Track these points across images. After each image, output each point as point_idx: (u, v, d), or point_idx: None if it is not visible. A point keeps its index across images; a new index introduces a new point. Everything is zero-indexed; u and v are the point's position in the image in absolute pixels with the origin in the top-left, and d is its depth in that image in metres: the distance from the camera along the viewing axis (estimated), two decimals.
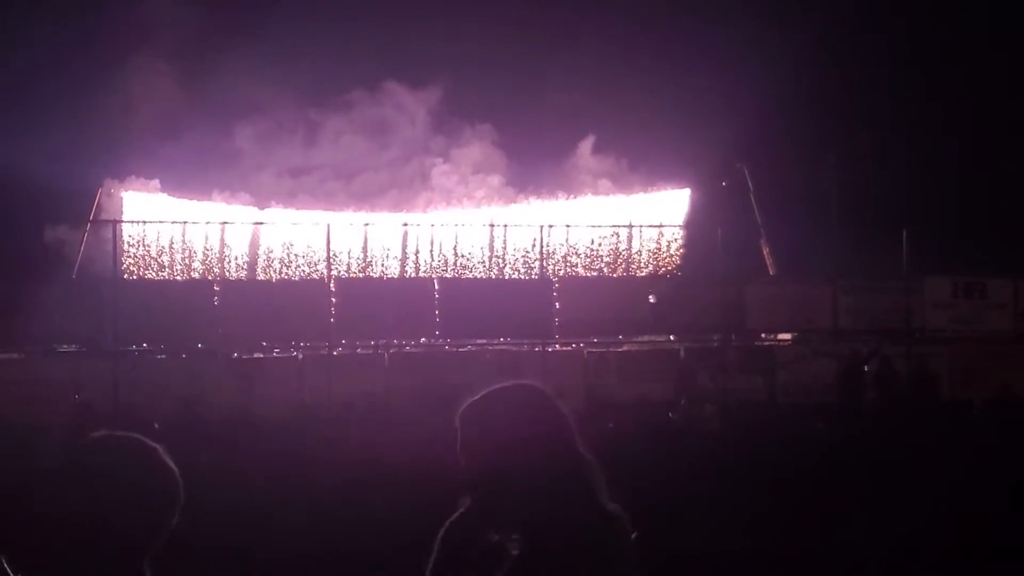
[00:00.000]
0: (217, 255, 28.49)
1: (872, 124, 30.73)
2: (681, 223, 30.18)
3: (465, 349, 23.35)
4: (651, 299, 23.81)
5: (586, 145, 32.34)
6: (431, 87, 32.68)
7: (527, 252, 28.87)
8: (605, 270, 29.54)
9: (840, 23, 30.55)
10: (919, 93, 30.97)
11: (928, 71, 31.28)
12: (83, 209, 27.72)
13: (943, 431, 18.15)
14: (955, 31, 31.26)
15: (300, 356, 22.19)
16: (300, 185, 31.52)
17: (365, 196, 31.21)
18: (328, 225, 24.38)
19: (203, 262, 28.29)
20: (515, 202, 30.96)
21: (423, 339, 23.23)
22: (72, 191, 27.83)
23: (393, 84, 32.69)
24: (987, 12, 31.69)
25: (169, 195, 28.93)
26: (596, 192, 31.05)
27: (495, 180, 31.92)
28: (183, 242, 28.11)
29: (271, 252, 28.68)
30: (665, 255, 29.89)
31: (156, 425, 18.46)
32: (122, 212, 27.77)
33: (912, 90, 31.24)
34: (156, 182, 29.08)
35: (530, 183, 31.65)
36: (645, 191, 30.89)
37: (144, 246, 27.80)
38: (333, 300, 22.58)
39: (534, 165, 32.41)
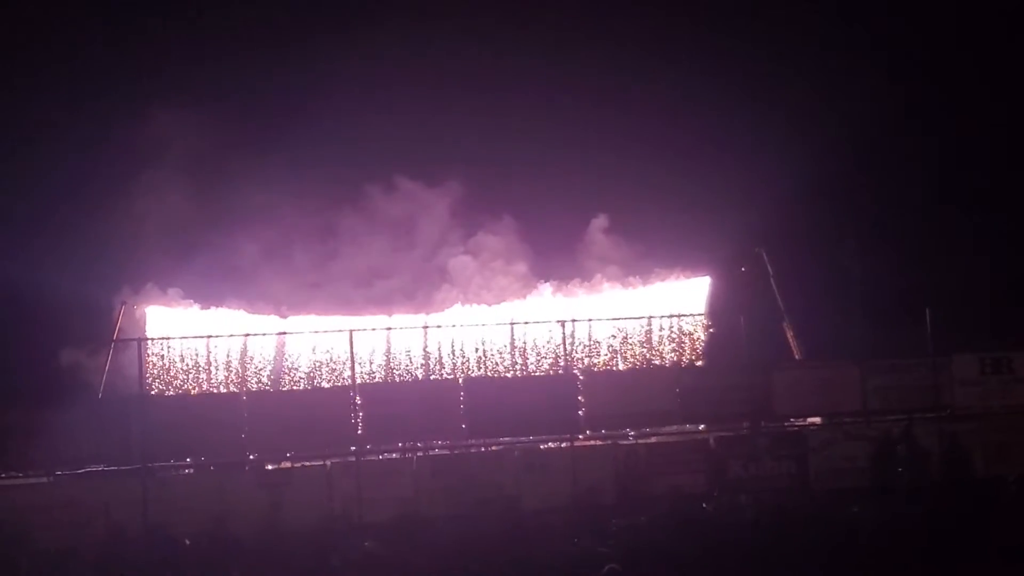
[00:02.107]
0: (240, 366, 28.46)
1: (890, 204, 30.83)
2: (703, 311, 30.09)
3: (493, 448, 23.24)
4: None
5: (604, 235, 32.39)
6: (447, 183, 32.80)
7: (550, 345, 28.78)
8: (629, 362, 29.40)
9: (857, 105, 30.82)
10: (937, 172, 31.13)
11: (945, 150, 31.45)
12: (103, 326, 27.79)
13: (980, 509, 17.93)
14: (972, 111, 31.49)
15: (328, 464, 22.08)
16: (320, 291, 31.58)
17: (386, 298, 31.25)
18: (351, 332, 24.44)
19: (226, 375, 28.28)
20: (537, 294, 30.91)
21: (450, 440, 23.15)
22: (90, 309, 27.97)
23: (408, 182, 32.84)
24: (1004, 91, 31.92)
25: (187, 307, 28.95)
26: (615, 281, 31.01)
27: (516, 274, 31.92)
28: (207, 355, 28.14)
29: (297, 362, 28.67)
30: (688, 344, 29.76)
31: (187, 541, 18.42)
32: (143, 327, 27.82)
33: (930, 169, 31.40)
34: (175, 291, 29.10)
35: (551, 275, 31.65)
36: (664, 280, 30.87)
37: (167, 361, 27.82)
38: (358, 406, 22.57)
39: (554, 256, 32.42)
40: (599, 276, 30.98)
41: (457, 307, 30.38)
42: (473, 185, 32.68)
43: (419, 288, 31.89)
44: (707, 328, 29.50)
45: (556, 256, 32.26)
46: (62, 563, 17.67)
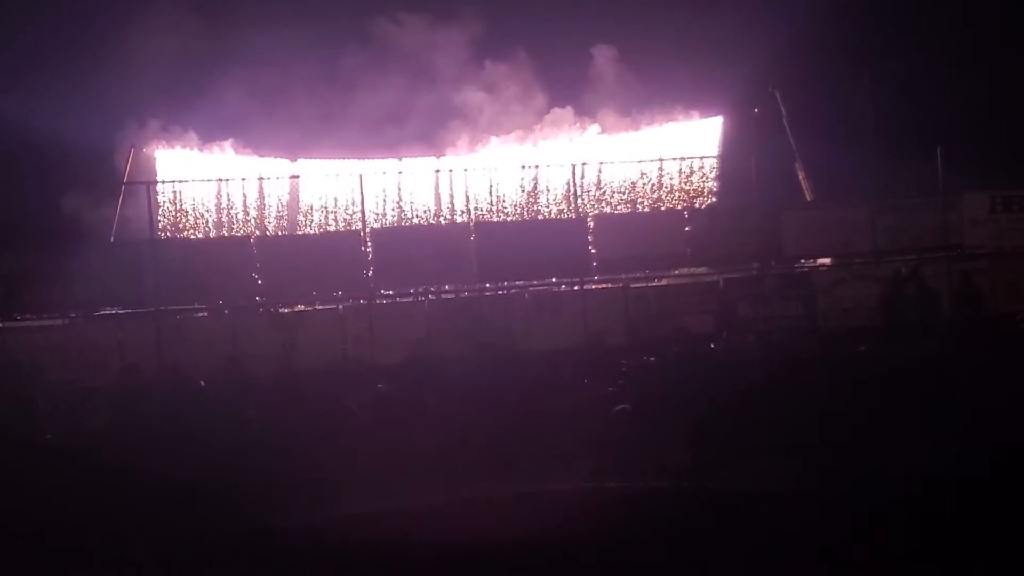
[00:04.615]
0: (247, 209, 28.35)
1: (904, 42, 30.30)
2: (714, 152, 29.87)
3: (504, 292, 23.38)
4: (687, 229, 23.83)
5: (615, 73, 31.89)
6: (456, 17, 32.10)
7: (561, 187, 28.66)
8: (640, 204, 29.31)
9: None
10: (952, 9, 30.51)
11: None
12: (110, 169, 27.60)
13: (990, 347, 18.00)
14: None
15: (341, 308, 22.28)
16: (328, 133, 31.26)
17: (396, 140, 30.97)
18: (360, 176, 24.38)
19: (244, 217, 28.17)
20: (552, 129, 30.61)
21: (461, 284, 23.28)
22: (96, 150, 27.72)
23: (415, 18, 32.14)
24: None
25: (192, 148, 28.67)
26: (626, 120, 30.67)
27: (529, 109, 31.51)
28: (217, 199, 28.03)
29: (311, 207, 28.57)
30: (699, 185, 29.62)
31: (202, 383, 18.68)
32: (152, 171, 27.67)
33: (944, 6, 30.76)
34: (178, 129, 28.79)
35: (562, 113, 31.26)
36: (676, 120, 30.57)
37: (178, 204, 27.74)
38: (370, 250, 22.66)
39: (564, 94, 31.99)
40: (606, 111, 30.67)
41: (466, 140, 30.15)
42: (482, 19, 32.03)
43: (429, 128, 31.57)
44: (718, 170, 29.36)
45: (567, 96, 31.87)
46: (79, 402, 17.95)
